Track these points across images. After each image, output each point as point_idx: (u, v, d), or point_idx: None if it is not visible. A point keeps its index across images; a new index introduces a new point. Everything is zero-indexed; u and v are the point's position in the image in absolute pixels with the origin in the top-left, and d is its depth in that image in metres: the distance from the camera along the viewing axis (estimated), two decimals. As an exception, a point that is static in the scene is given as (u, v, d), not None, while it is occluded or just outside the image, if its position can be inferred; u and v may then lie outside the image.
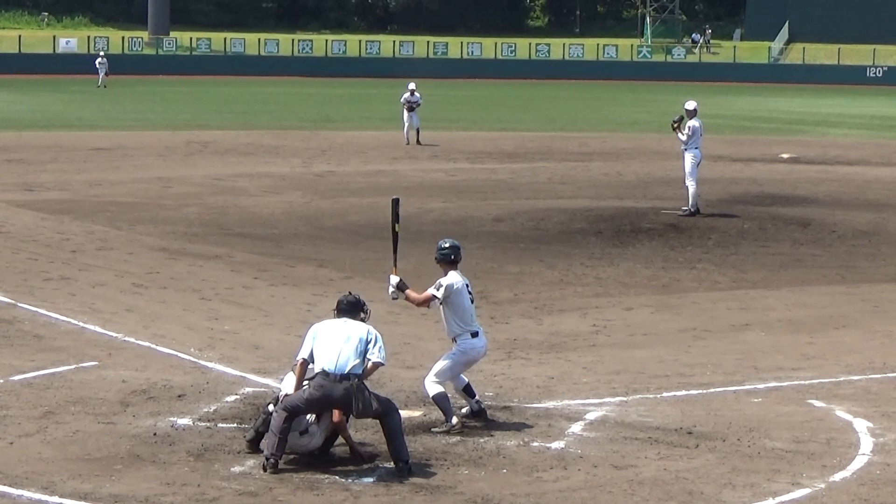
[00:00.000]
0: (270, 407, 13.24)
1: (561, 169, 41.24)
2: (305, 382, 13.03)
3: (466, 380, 14.60)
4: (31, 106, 66.51)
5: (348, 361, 12.82)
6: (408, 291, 14.34)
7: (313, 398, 12.80)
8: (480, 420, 14.41)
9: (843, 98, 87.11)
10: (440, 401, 14.24)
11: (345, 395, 12.73)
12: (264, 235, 27.97)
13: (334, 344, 12.89)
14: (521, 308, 21.05)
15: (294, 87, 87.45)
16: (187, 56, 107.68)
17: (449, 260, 14.44)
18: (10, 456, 13.13)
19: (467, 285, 14.39)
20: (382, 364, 13.04)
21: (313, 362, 12.99)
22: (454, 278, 14.35)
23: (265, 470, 12.70)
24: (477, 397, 14.57)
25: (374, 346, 12.96)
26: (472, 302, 14.44)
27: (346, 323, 13.11)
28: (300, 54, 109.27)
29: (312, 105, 70.72)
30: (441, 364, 14.36)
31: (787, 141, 52.24)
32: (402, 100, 48.96)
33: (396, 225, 14.60)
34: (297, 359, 13.14)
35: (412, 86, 49.14)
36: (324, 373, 12.82)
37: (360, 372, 12.86)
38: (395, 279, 14.34)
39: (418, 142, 47.69)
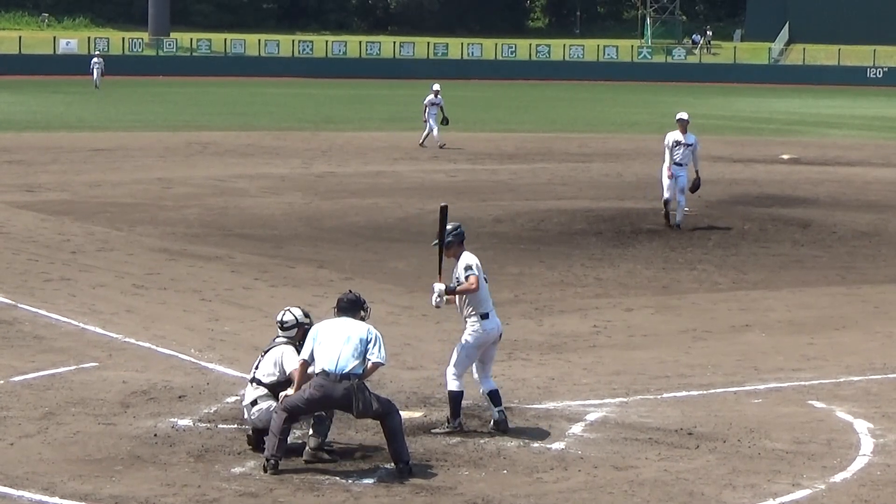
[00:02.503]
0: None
1: (561, 170, 41.25)
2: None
3: (494, 384, 14.36)
4: (32, 107, 66.53)
5: (348, 362, 12.82)
6: (456, 288, 14.20)
7: (314, 398, 12.81)
8: (500, 430, 14.21)
9: (844, 99, 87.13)
10: (453, 398, 14.21)
11: (345, 395, 12.74)
12: (264, 236, 27.97)
13: (334, 344, 12.89)
14: (521, 309, 21.04)
15: (294, 88, 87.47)
16: (187, 57, 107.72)
17: (462, 239, 14.40)
18: (10, 457, 13.13)
19: (478, 266, 14.23)
20: (382, 364, 13.04)
21: (314, 363, 12.99)
22: (474, 261, 14.27)
23: (265, 471, 12.71)
24: (502, 407, 14.29)
25: (375, 345, 12.95)
26: (486, 280, 14.38)
27: (347, 322, 13.11)
28: (300, 55, 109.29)
29: (313, 106, 70.74)
30: (455, 355, 14.33)
31: (787, 142, 52.25)
32: (425, 101, 47.90)
33: (443, 233, 14.50)
34: (298, 359, 13.14)
35: (437, 87, 48.31)
36: (324, 373, 12.82)
37: (361, 372, 12.86)
38: (440, 286, 14.15)
39: (422, 144, 47.25)
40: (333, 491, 12.34)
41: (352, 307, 13.27)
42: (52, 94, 78.11)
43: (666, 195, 29.28)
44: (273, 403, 13.18)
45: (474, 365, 14.39)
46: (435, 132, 47.39)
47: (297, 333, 13.65)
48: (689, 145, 29.11)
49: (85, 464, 12.96)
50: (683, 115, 29.37)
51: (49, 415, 14.59)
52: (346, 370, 12.78)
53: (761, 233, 28.96)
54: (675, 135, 29.24)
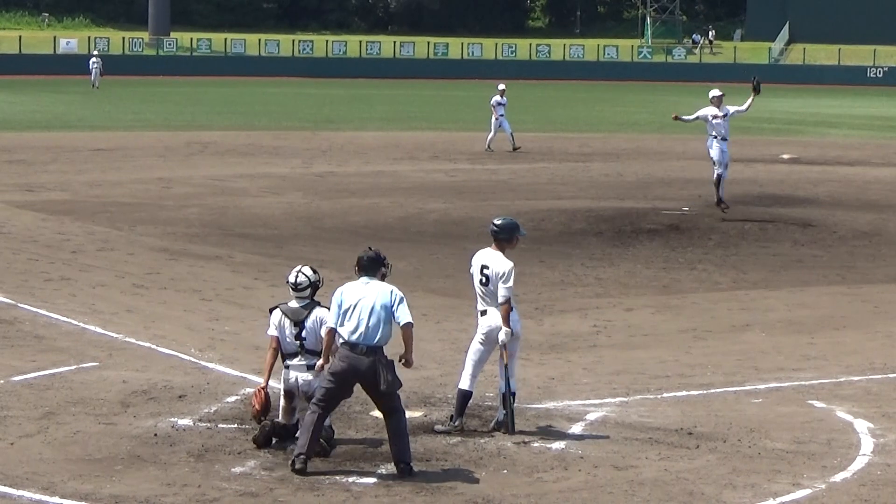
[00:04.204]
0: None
1: (561, 169, 41.25)
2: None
3: (512, 387, 14.27)
4: (32, 107, 66.53)
5: (375, 333, 12.69)
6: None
7: (338, 371, 12.69)
8: (501, 430, 14.19)
9: (844, 98, 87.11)
10: (457, 397, 14.23)
11: (371, 367, 12.62)
12: (265, 236, 27.97)
13: (360, 315, 12.72)
14: (521, 308, 20.82)
15: (294, 88, 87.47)
16: (188, 57, 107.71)
17: (496, 238, 14.41)
18: (10, 456, 13.13)
19: (483, 266, 14.20)
20: (412, 324, 12.85)
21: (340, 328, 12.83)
22: (475, 257, 14.34)
23: (294, 466, 12.62)
24: (505, 412, 14.23)
25: (399, 307, 12.78)
26: (485, 283, 14.18)
27: (370, 288, 12.88)
28: (300, 55, 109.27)
29: (313, 106, 70.73)
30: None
31: (787, 141, 52.24)
32: (491, 102, 46.66)
33: None
34: (326, 327, 13.02)
35: (502, 86, 47.26)
36: (350, 344, 12.74)
37: (386, 342, 12.73)
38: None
39: (514, 147, 45.81)
40: (333, 491, 12.34)
41: (372, 265, 13.05)
42: (52, 93, 78.10)
43: (718, 171, 30.03)
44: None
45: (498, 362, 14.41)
46: (508, 133, 46.13)
47: (310, 293, 13.65)
48: (724, 116, 29.79)
49: (85, 463, 12.96)
50: (716, 92, 30.16)
51: (49, 414, 14.58)
52: (374, 341, 12.69)
53: (761, 232, 28.96)
54: (710, 109, 29.93)
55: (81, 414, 14.61)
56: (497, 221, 14.59)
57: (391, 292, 12.89)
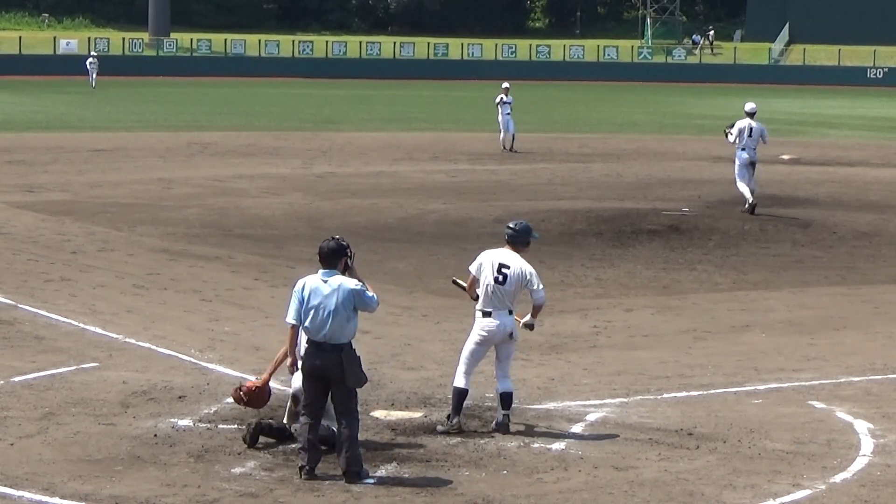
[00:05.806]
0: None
1: (561, 170, 41.25)
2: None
3: (509, 387, 14.32)
4: (32, 107, 66.53)
5: (341, 331, 12.68)
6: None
7: (309, 369, 12.72)
8: (500, 432, 14.21)
9: (844, 99, 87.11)
10: (454, 394, 14.22)
11: (337, 363, 12.61)
12: (265, 236, 27.97)
13: (323, 315, 12.66)
14: (521, 309, 20.88)
15: (295, 89, 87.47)
16: (188, 57, 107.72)
17: (512, 241, 14.42)
18: (10, 457, 13.14)
19: (502, 265, 14.15)
20: (377, 306, 12.88)
21: (301, 324, 12.81)
22: (485, 256, 14.32)
23: (301, 473, 12.62)
24: (509, 412, 14.26)
25: (362, 299, 12.72)
26: (501, 282, 14.14)
27: (329, 285, 12.75)
28: (301, 55, 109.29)
29: (313, 106, 70.73)
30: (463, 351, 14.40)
31: (787, 142, 52.19)
32: (496, 101, 47.12)
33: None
34: (287, 322, 12.95)
35: (506, 85, 47.54)
36: (316, 343, 12.74)
37: (353, 336, 12.74)
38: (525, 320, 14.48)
39: (513, 149, 46.10)
40: (334, 491, 12.34)
41: (332, 256, 12.87)
42: (52, 94, 78.10)
43: (750, 185, 31.16)
44: None
45: (494, 363, 14.41)
46: (502, 134, 46.50)
47: None
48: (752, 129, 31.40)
49: (85, 464, 12.96)
50: (752, 105, 32.29)
51: (49, 415, 14.59)
52: (339, 341, 12.67)
53: (761, 233, 28.95)
54: (746, 121, 31.72)
55: (81, 414, 14.61)
56: (512, 224, 14.57)
57: (352, 290, 12.74)
